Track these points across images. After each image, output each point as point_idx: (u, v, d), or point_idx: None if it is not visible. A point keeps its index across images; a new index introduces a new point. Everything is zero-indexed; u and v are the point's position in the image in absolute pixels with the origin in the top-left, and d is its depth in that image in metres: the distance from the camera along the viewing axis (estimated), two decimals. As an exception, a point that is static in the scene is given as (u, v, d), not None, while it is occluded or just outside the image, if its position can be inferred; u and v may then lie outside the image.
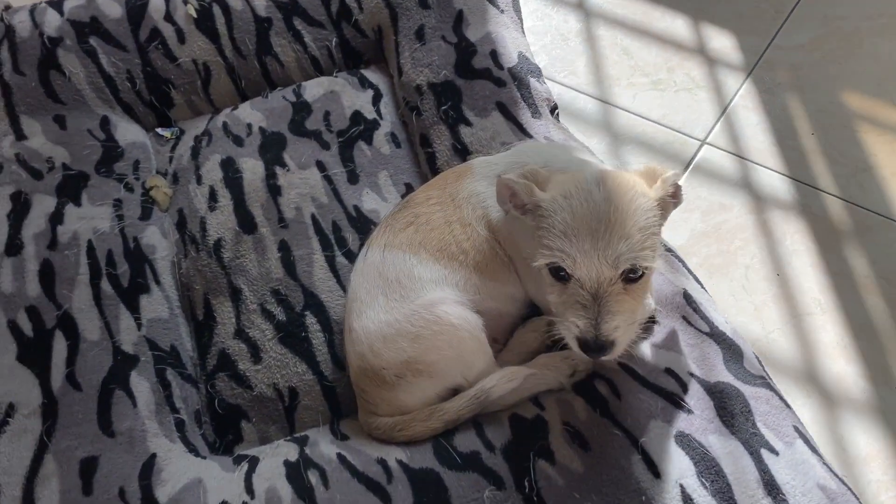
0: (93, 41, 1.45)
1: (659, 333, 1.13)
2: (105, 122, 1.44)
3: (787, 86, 1.69)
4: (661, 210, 0.97)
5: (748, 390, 1.06)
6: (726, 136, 1.62)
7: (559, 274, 0.94)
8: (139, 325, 1.19)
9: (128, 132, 1.45)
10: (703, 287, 1.22)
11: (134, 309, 1.20)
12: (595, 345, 0.92)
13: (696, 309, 1.16)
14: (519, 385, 1.05)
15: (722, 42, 1.78)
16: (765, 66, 1.73)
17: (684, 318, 1.15)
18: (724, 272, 1.42)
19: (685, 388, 1.06)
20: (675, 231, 1.47)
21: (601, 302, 0.92)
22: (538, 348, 1.12)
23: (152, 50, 1.48)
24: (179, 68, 1.50)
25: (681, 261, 1.24)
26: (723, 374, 1.08)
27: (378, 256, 1.11)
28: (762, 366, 1.12)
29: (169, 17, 1.50)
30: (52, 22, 1.44)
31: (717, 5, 1.84)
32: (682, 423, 1.02)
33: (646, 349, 1.10)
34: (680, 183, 0.99)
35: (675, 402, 1.04)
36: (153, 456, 1.05)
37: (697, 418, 1.03)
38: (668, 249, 1.24)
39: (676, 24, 1.82)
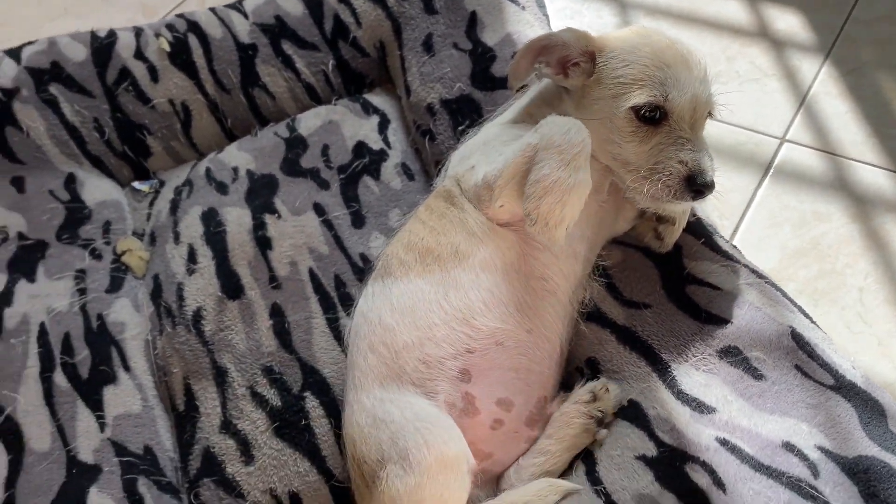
0: (53, 89, 1.25)
1: (765, 391, 0.85)
2: (70, 181, 1.23)
3: (876, 64, 1.40)
4: None
5: (903, 464, 0.76)
6: (810, 131, 1.33)
7: (649, 114, 0.83)
8: (102, 426, 0.96)
9: (97, 190, 1.24)
10: (814, 322, 0.93)
11: (96, 405, 0.97)
12: (704, 180, 0.82)
13: (812, 353, 0.87)
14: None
15: (788, 21, 1.50)
16: (844, 45, 1.44)
17: (798, 367, 0.86)
18: (831, 299, 1.12)
19: (815, 470, 0.77)
20: (760, 250, 1.17)
21: (697, 136, 0.84)
22: (585, 428, 0.86)
23: (122, 93, 1.28)
24: (154, 111, 1.29)
25: (778, 289, 0.96)
26: (864, 445, 0.79)
27: (368, 303, 0.90)
28: (913, 425, 0.82)
29: (139, 55, 1.30)
30: (7, 72, 1.25)
31: (777, -19, 1.57)
32: (820, 522, 0.73)
33: None
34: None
35: (804, 490, 0.76)
36: None
37: (839, 513, 0.74)
38: (760, 276, 0.96)
39: (729, 7, 1.54)
